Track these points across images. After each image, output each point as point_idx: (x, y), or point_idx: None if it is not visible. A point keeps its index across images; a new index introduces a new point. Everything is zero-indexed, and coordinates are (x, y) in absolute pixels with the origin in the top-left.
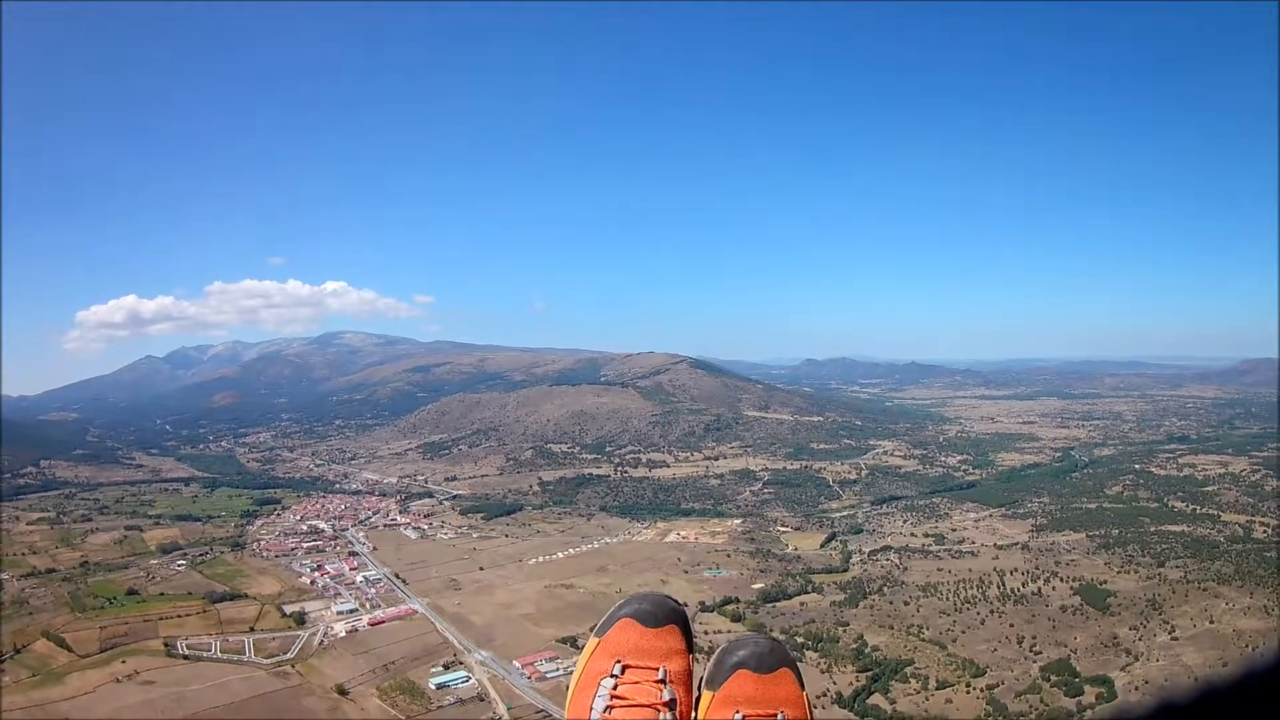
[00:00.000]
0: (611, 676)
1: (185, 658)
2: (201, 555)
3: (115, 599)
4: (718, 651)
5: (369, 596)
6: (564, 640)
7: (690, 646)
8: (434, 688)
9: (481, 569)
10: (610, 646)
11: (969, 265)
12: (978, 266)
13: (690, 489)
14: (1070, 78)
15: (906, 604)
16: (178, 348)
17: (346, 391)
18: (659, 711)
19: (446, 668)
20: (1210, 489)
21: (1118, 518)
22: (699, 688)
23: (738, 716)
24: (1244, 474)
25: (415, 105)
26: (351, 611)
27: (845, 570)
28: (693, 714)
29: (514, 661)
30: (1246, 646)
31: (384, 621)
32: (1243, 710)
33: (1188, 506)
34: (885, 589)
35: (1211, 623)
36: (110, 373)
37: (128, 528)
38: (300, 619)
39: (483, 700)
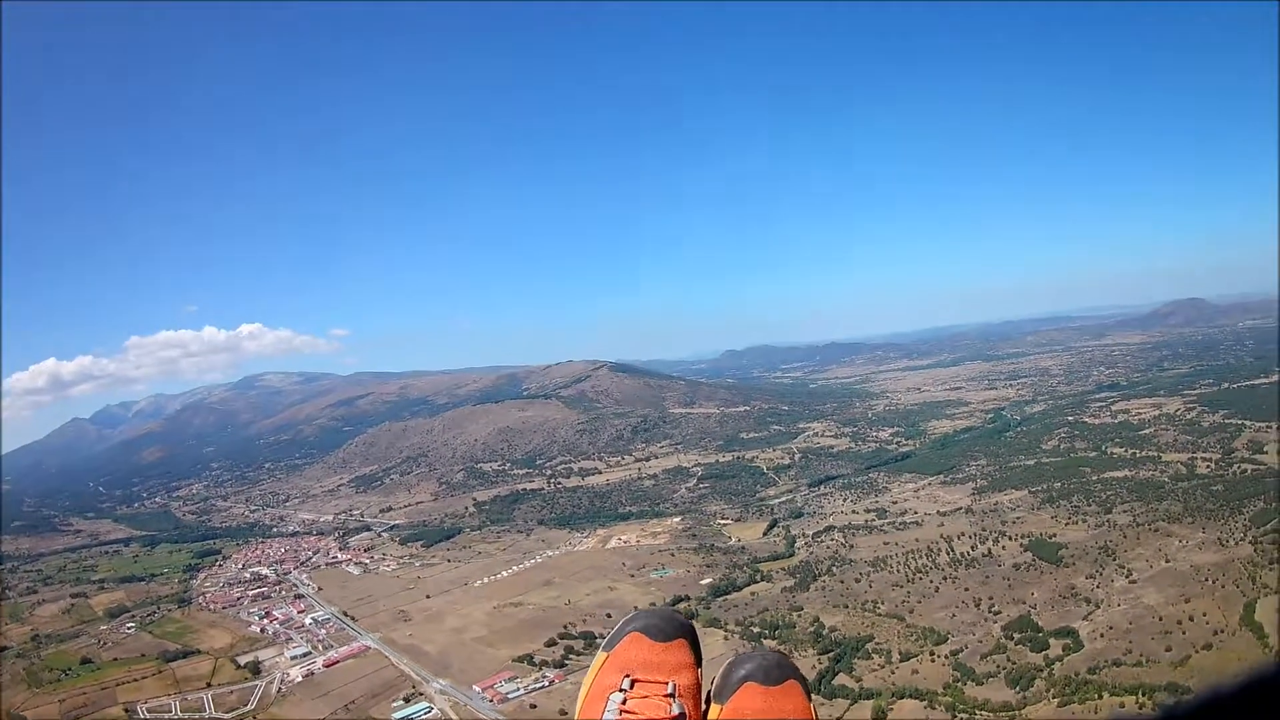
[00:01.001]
0: (620, 691)
1: None
2: (150, 615)
3: (70, 670)
4: (725, 665)
5: (320, 638)
6: (520, 659)
7: (699, 660)
8: None
9: (429, 597)
10: (619, 661)
11: (879, 238)
12: (887, 239)
13: (626, 493)
14: (976, 29)
15: (858, 581)
16: (103, 407)
17: (273, 433)
18: None
19: (407, 700)
20: (1147, 432)
21: (1058, 471)
22: (707, 701)
23: None
24: (1179, 413)
25: (310, 135)
26: (305, 655)
27: (791, 555)
28: None
29: (474, 686)
30: (1206, 580)
31: (339, 661)
32: (1246, 719)
33: (1127, 451)
34: (834, 569)
35: (1167, 561)
36: (40, 438)
37: (74, 595)
38: (255, 669)
39: None
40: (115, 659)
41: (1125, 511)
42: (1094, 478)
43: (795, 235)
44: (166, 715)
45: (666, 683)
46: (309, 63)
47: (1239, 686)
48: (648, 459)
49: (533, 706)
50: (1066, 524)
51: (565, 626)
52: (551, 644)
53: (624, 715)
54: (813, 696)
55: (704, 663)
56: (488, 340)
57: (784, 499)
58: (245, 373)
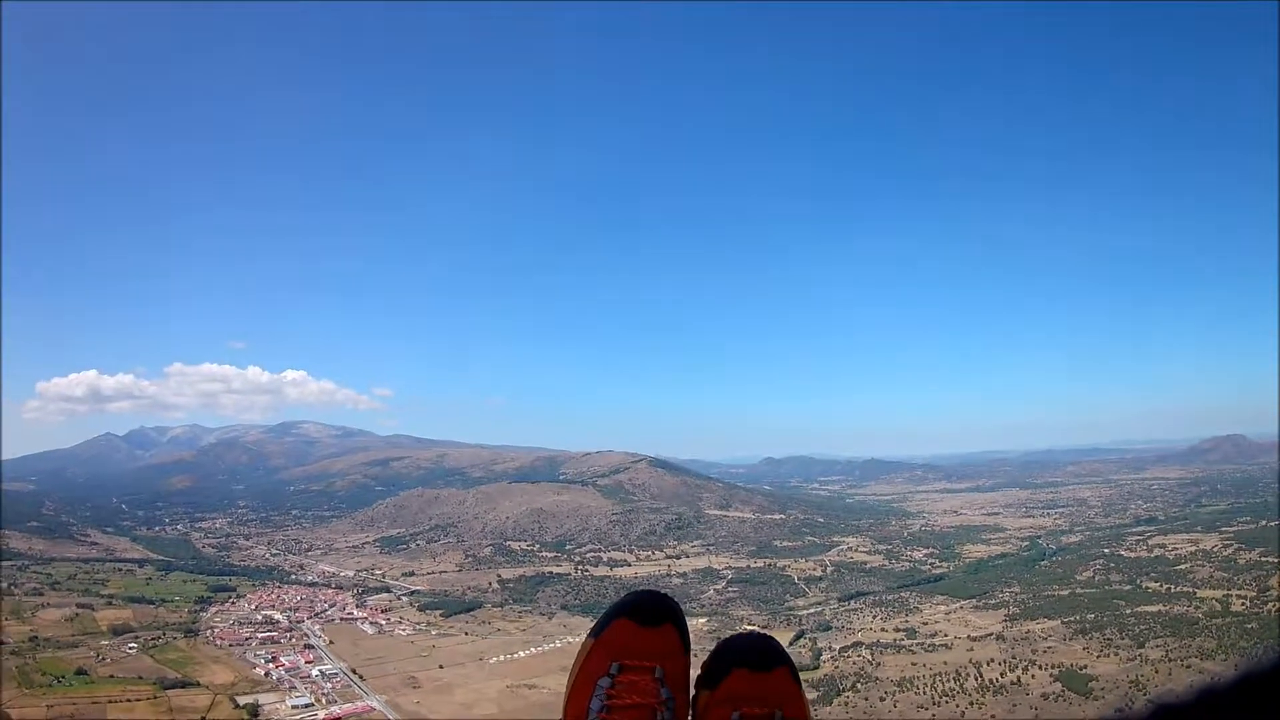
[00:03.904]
0: (608, 676)
1: None
2: (154, 639)
3: (63, 678)
4: (714, 650)
5: (325, 691)
6: None
7: (687, 645)
8: None
9: (441, 667)
10: (607, 646)
11: (925, 362)
12: (934, 363)
13: (653, 588)
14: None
15: (882, 700)
16: (137, 427)
17: (304, 482)
18: (657, 711)
19: None
20: (1183, 567)
21: (1091, 602)
22: (696, 687)
23: (735, 715)
24: (1216, 550)
25: (382, 198)
26: (307, 706)
27: (816, 668)
28: (690, 713)
29: None
30: None
31: (341, 718)
32: (1241, 713)
33: (1162, 586)
34: (859, 685)
35: None
36: (69, 446)
37: (79, 605)
38: (254, 711)
39: None
40: (112, 675)
41: (1158, 646)
42: (1128, 611)
43: (843, 351)
44: None
45: (654, 667)
46: (395, 115)
47: (1233, 681)
48: (679, 556)
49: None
50: (1098, 656)
51: None
52: None
53: (612, 701)
54: (802, 682)
55: (692, 648)
56: (527, 420)
57: (813, 610)
58: (284, 418)
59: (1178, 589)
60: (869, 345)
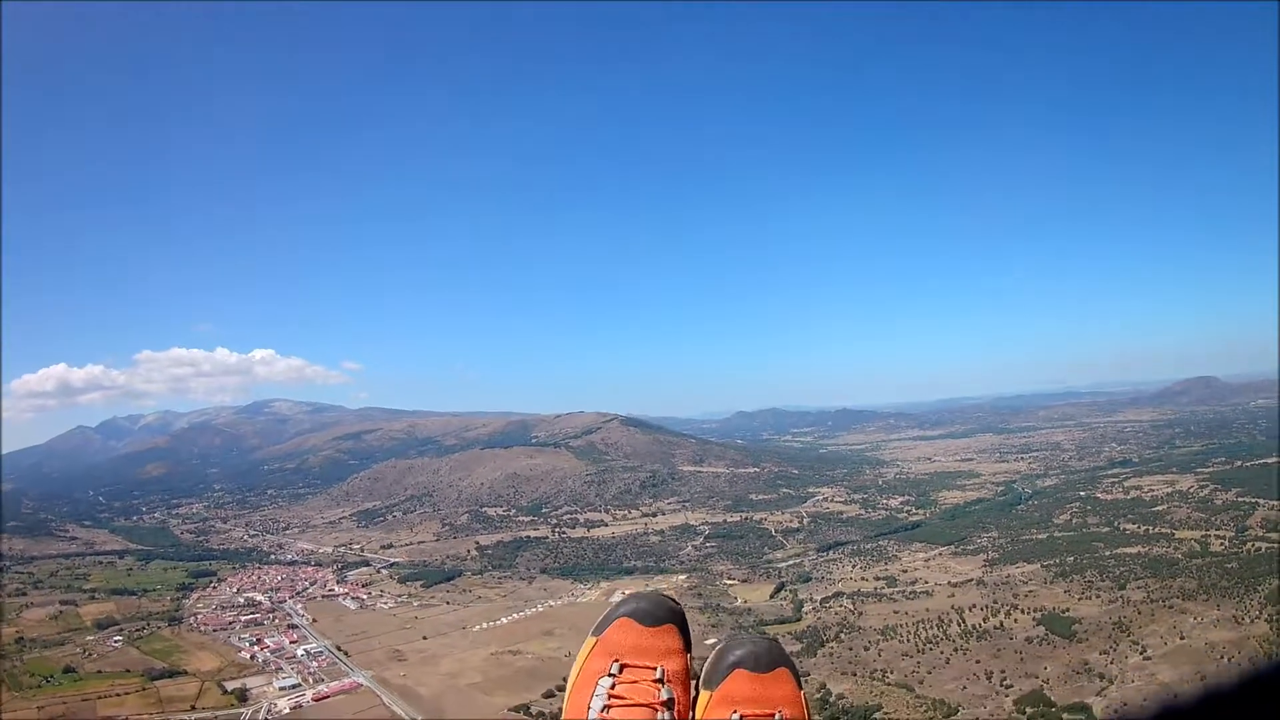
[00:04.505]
0: (609, 676)
1: None
2: (138, 630)
3: (52, 677)
4: (715, 650)
5: (311, 670)
6: (517, 709)
7: (688, 646)
8: None
9: (425, 638)
10: (608, 645)
11: (893, 311)
12: (901, 311)
13: (631, 547)
14: (992, 101)
15: (866, 649)
16: (109, 417)
17: (278, 460)
18: (657, 711)
19: None
20: (1160, 508)
21: (1070, 545)
22: (696, 687)
23: (735, 716)
24: (1192, 491)
25: (339, 170)
26: (294, 687)
27: (799, 620)
28: (690, 713)
29: None
30: (1221, 658)
31: (328, 696)
32: (1246, 712)
33: (1140, 528)
34: (842, 635)
35: (1182, 639)
36: (43, 442)
37: (63, 602)
38: (242, 696)
39: None
40: (99, 671)
41: (1139, 587)
42: (1107, 553)
43: (811, 302)
44: None
45: (655, 668)
46: (350, 92)
47: (1237, 682)
48: (655, 514)
49: (565, 688)
50: (1079, 599)
51: (564, 679)
52: (549, 695)
53: (613, 700)
54: (803, 684)
55: (693, 648)
56: (498, 386)
57: (792, 562)
58: (255, 397)
59: (1156, 530)
60: (837, 295)
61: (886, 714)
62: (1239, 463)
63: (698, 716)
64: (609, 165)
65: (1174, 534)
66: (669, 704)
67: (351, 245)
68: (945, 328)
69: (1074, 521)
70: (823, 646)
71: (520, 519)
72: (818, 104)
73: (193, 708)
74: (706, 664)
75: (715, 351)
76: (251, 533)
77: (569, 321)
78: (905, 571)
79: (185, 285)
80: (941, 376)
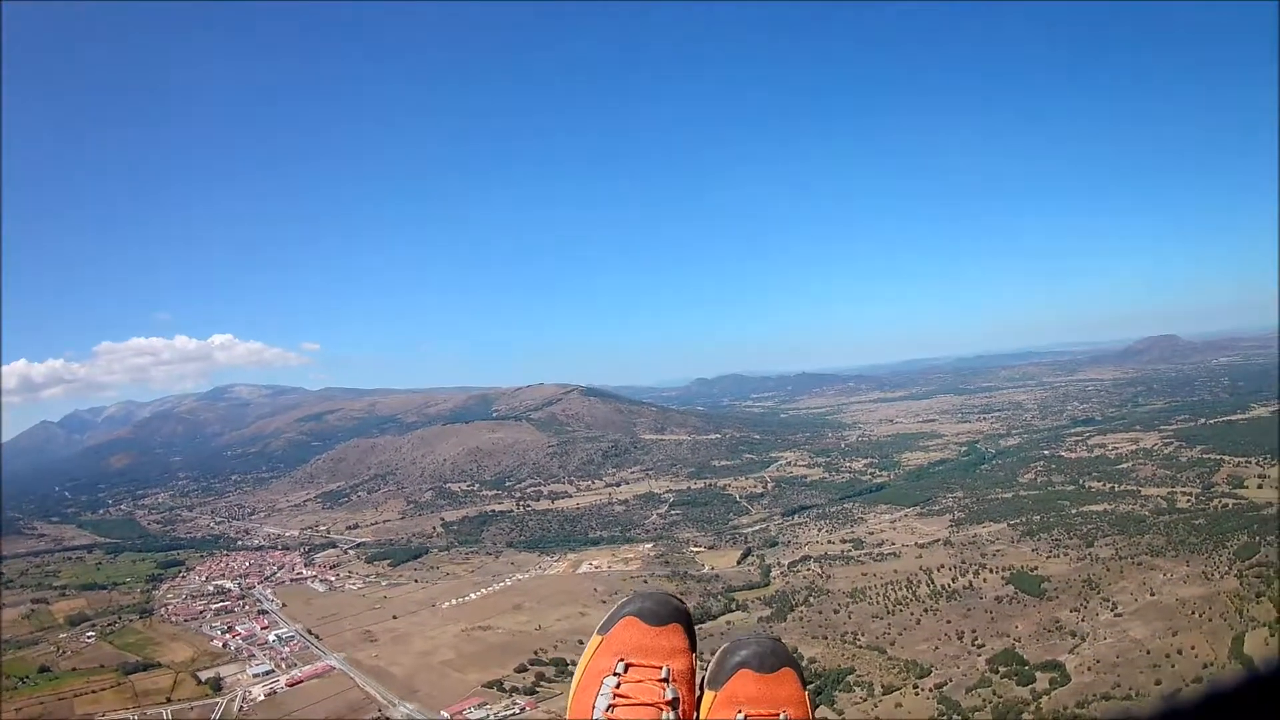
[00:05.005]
0: (614, 675)
1: None
2: (110, 625)
3: (28, 678)
4: (719, 651)
5: (284, 656)
6: (490, 685)
7: (693, 645)
8: None
9: (395, 617)
10: (613, 644)
11: (851, 272)
12: (859, 273)
13: (596, 517)
14: (944, 73)
15: (836, 612)
16: (72, 411)
17: (240, 445)
18: (662, 710)
19: None
20: (1125, 466)
21: (1036, 504)
22: (701, 687)
23: (740, 716)
24: (1156, 448)
25: (287, 143)
26: (268, 673)
27: (767, 585)
28: (695, 713)
29: (441, 712)
30: (1193, 614)
31: (302, 681)
32: (1247, 714)
33: (1105, 485)
34: (811, 599)
35: (1153, 595)
36: (7, 440)
37: (34, 601)
38: (217, 685)
39: None
40: (74, 668)
41: (1107, 545)
42: (1073, 511)
43: (767, 266)
44: None
45: (661, 667)
46: (294, 66)
47: (1239, 683)
48: (619, 484)
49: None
50: (1047, 557)
51: (536, 652)
52: (522, 670)
53: (618, 699)
54: (808, 685)
55: (698, 648)
56: (457, 361)
57: (757, 528)
58: (216, 383)
59: (1121, 488)
60: (794, 255)
61: (859, 677)
62: (1202, 420)
63: (702, 716)
64: (564, 134)
65: (1140, 491)
66: (674, 703)
67: (306, 225)
68: (904, 291)
69: (1039, 480)
70: (792, 611)
71: (484, 494)
72: (774, 62)
73: (168, 700)
74: (711, 664)
75: (673, 319)
76: (217, 520)
77: (526, 292)
78: (872, 534)
79: (142, 274)
80: (901, 338)
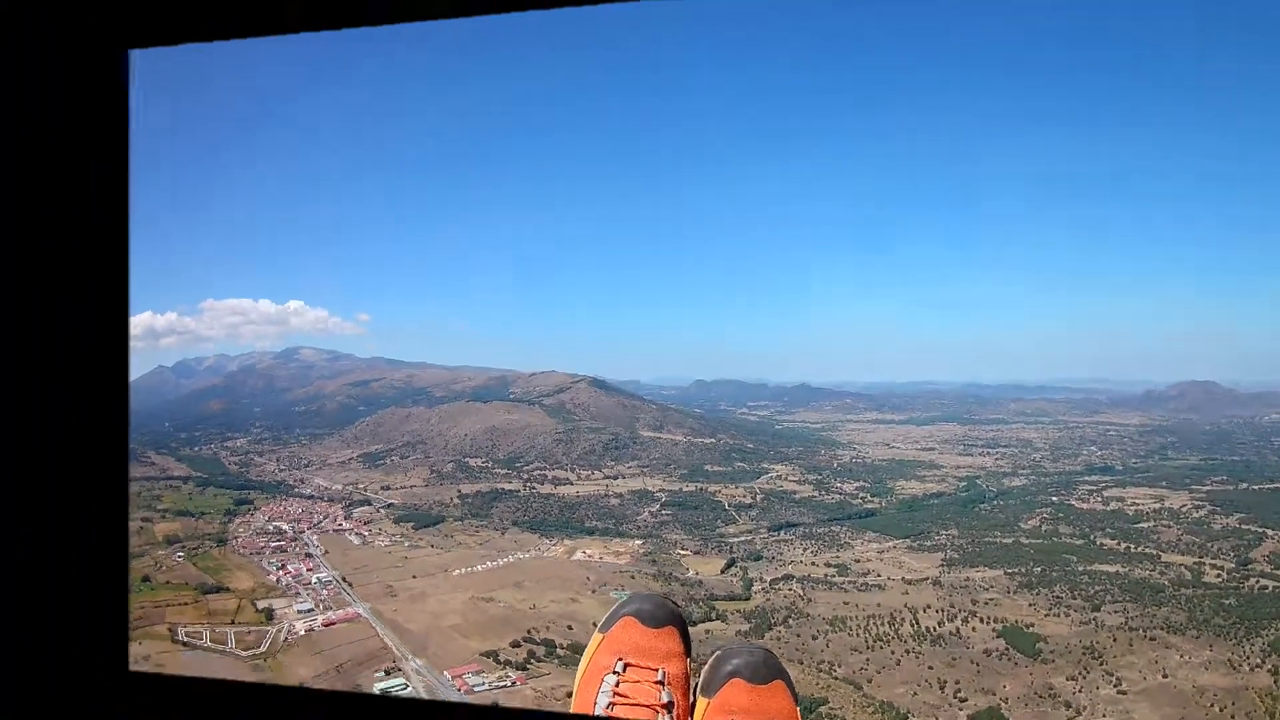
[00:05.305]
0: (614, 673)
1: (184, 644)
2: (195, 548)
3: (135, 586)
4: (712, 658)
5: (323, 597)
6: (487, 654)
7: (688, 649)
8: (377, 693)
9: (414, 577)
10: (613, 643)
11: (861, 283)
12: (869, 285)
13: (592, 507)
14: (973, 79)
15: (815, 638)
16: (181, 359)
17: (304, 403)
18: (657, 712)
19: (387, 674)
20: (1145, 525)
21: (1038, 554)
22: (695, 693)
23: None
24: (1185, 510)
25: (353, 135)
26: (309, 611)
27: (748, 599)
28: (689, 717)
29: (444, 673)
30: (1212, 705)
31: (335, 623)
32: None
33: (1120, 544)
34: (791, 620)
35: (1165, 676)
36: (133, 380)
37: (143, 519)
38: (269, 615)
39: None
40: (168, 582)
41: (1116, 611)
42: (1080, 569)
43: (777, 271)
44: (199, 642)
45: (657, 669)
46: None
47: None
48: (616, 477)
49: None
50: (1046, 614)
51: (529, 631)
52: (516, 645)
53: (617, 698)
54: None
55: (692, 652)
56: (483, 341)
57: (743, 538)
58: (288, 345)
59: (1139, 549)
60: (804, 262)
61: (832, 709)
62: (1244, 485)
63: None
64: (586, 112)
65: (1160, 556)
66: (669, 707)
67: (369, 200)
68: (913, 304)
69: (1044, 529)
70: (770, 629)
71: (497, 471)
72: (791, 53)
73: (233, 622)
74: (704, 671)
75: (677, 318)
76: (281, 467)
77: (544, 281)
78: (858, 561)
79: (240, 241)
80: (906, 357)
